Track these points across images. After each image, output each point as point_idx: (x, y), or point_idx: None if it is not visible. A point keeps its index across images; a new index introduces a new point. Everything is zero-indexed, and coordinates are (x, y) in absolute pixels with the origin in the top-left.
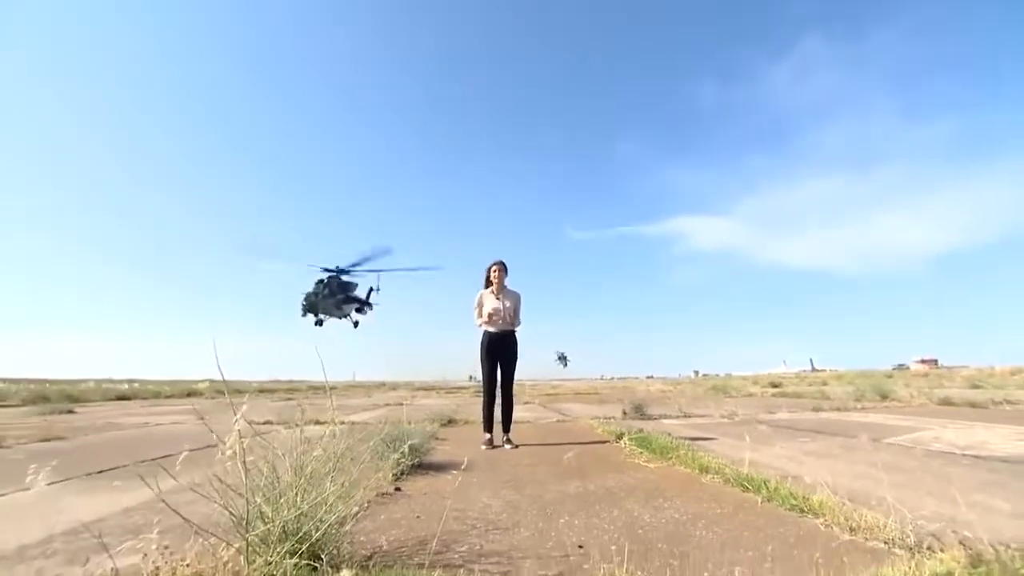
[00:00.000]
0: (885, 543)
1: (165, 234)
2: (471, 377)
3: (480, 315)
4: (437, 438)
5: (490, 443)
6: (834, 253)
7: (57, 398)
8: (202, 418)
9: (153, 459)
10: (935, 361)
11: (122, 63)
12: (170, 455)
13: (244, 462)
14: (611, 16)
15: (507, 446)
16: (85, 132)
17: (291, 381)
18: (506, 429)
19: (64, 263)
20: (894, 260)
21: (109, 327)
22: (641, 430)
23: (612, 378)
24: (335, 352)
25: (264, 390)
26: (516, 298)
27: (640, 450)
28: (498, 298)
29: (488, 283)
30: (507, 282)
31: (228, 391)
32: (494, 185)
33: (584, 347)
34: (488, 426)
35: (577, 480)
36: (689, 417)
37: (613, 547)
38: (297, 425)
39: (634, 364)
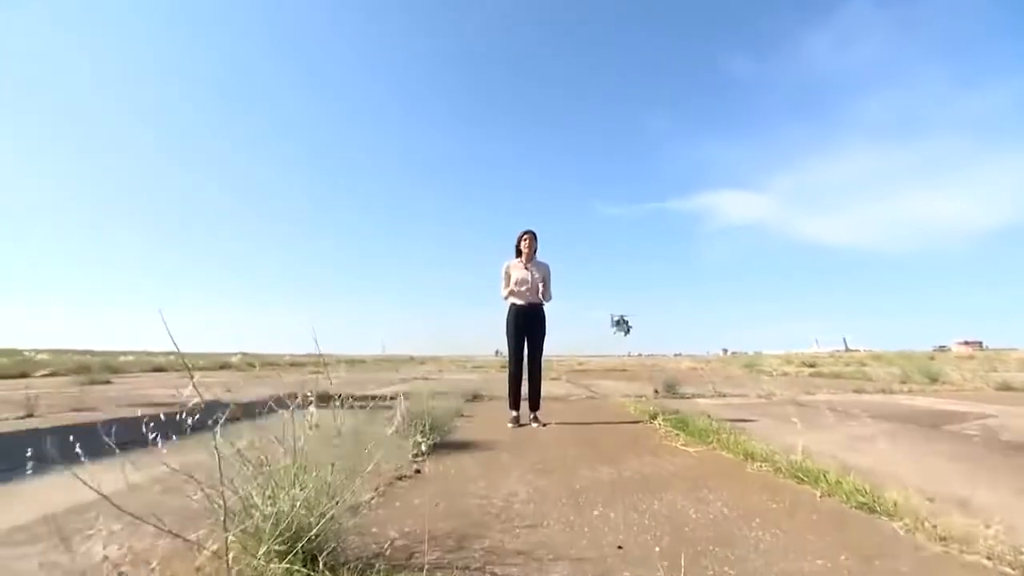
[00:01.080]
0: (989, 559)
1: (205, 210)
2: (497, 352)
3: (507, 286)
4: (462, 415)
5: (516, 421)
6: (871, 230)
7: (99, 369)
8: (228, 391)
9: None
10: (979, 343)
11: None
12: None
13: (217, 447)
14: None
15: (534, 424)
16: (127, 111)
17: (321, 354)
18: (534, 407)
19: (107, 239)
20: (934, 237)
21: (152, 301)
22: (677, 411)
23: (640, 355)
24: (366, 326)
25: (296, 363)
26: (546, 270)
27: (677, 432)
28: (527, 268)
29: (518, 252)
30: (537, 254)
31: (259, 364)
32: (521, 160)
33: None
34: (515, 403)
35: (610, 465)
36: (724, 397)
37: (657, 548)
38: (303, 400)
39: (662, 341)
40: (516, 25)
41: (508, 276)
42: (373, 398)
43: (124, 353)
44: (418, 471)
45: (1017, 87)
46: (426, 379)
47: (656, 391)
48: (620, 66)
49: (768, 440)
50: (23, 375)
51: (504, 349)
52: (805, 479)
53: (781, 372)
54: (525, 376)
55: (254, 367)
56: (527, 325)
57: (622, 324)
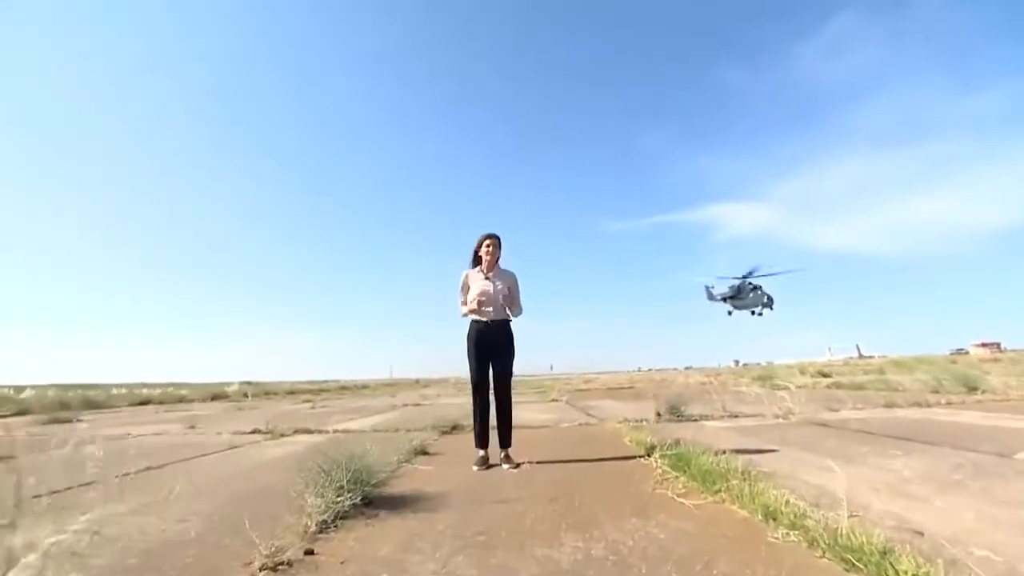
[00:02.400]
0: None
1: (215, 237)
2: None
3: (465, 301)
4: (426, 452)
5: (484, 462)
6: (875, 236)
7: (78, 405)
8: (192, 427)
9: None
10: (998, 344)
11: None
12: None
13: None
14: (632, 5)
15: (505, 466)
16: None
17: (327, 380)
18: (504, 443)
19: (119, 271)
20: (940, 240)
21: (170, 333)
22: (678, 441)
23: (650, 369)
24: (374, 350)
25: (294, 391)
26: (512, 280)
27: (675, 473)
28: (488, 278)
29: (476, 260)
30: (501, 261)
31: (253, 394)
32: (523, 179)
33: (619, 339)
34: (481, 440)
35: (580, 533)
36: (736, 417)
37: None
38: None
39: (672, 355)
40: (510, 44)
41: (467, 288)
42: (345, 432)
43: (119, 385)
44: (310, 552)
45: (1017, 87)
46: (418, 405)
47: (659, 414)
48: (615, 84)
49: (792, 482)
50: None
51: (517, 368)
52: (857, 564)
53: (797, 384)
54: (493, 407)
55: (246, 397)
56: (491, 345)
57: (749, 296)
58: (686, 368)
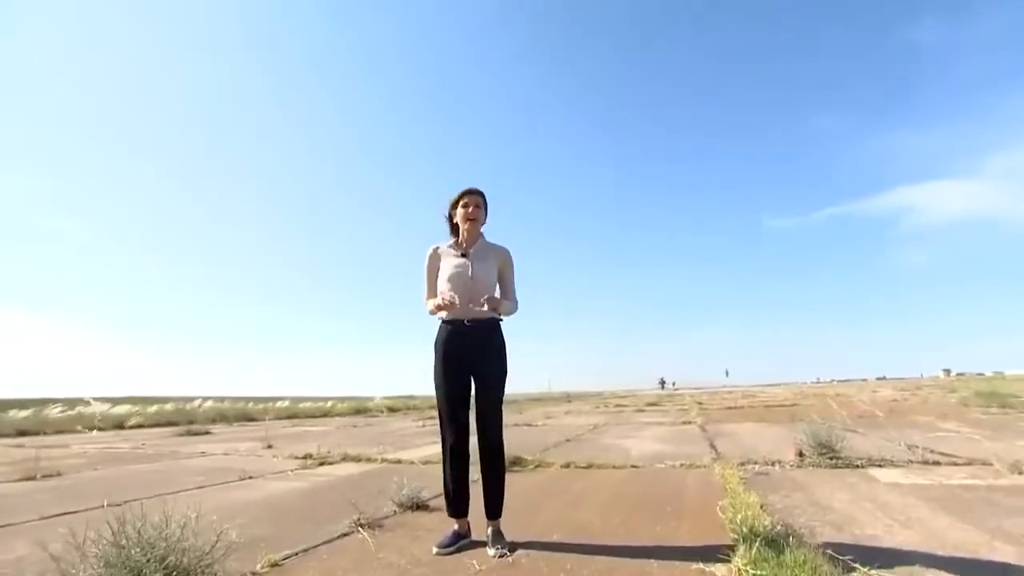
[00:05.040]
0: None
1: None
2: (662, 382)
3: (432, 290)
4: (419, 505)
5: (454, 541)
6: None
7: (233, 417)
8: (269, 446)
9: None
10: None
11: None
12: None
13: None
14: None
15: (491, 550)
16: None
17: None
18: (493, 512)
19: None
20: None
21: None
22: (790, 535)
23: (832, 380)
24: (531, 361)
25: (396, 408)
26: (502, 259)
27: None
28: (464, 256)
29: (454, 230)
30: (487, 234)
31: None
32: (671, 176)
33: (794, 347)
34: (455, 506)
35: None
36: (934, 465)
37: None
38: None
39: (860, 363)
40: (660, 31)
41: (435, 272)
42: (386, 460)
43: (306, 399)
44: None
45: None
46: (529, 425)
47: (801, 454)
48: (777, 61)
49: None
50: (119, 426)
51: (670, 376)
52: None
53: None
54: (478, 451)
55: (381, 413)
56: (467, 358)
57: None
58: (877, 379)
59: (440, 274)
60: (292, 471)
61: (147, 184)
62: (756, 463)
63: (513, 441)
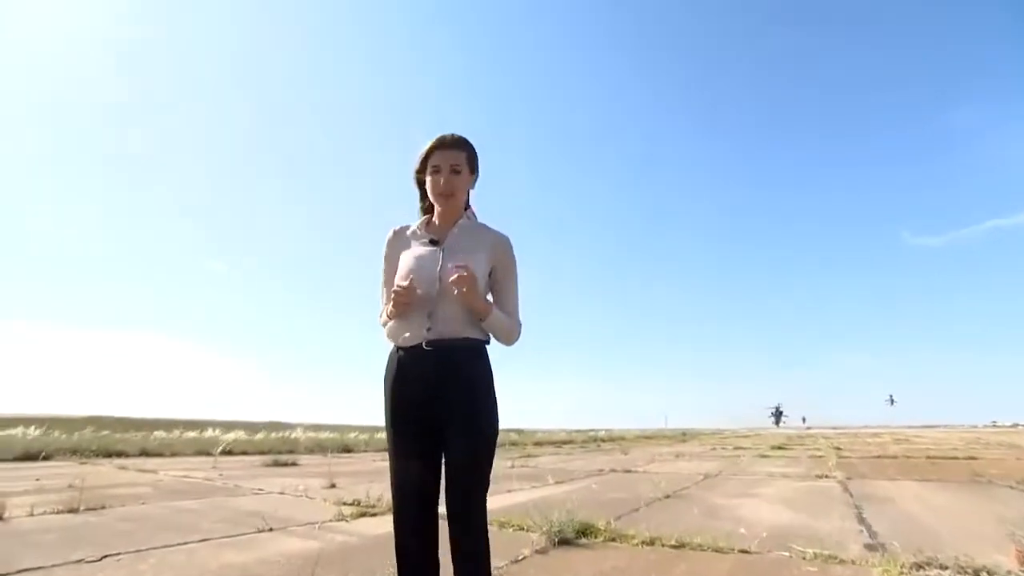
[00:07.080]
0: None
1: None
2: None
3: (389, 298)
4: None
5: None
6: None
7: (333, 447)
8: (332, 485)
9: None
10: None
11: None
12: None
13: None
14: None
15: None
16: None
17: (595, 429)
18: None
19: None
20: None
21: None
22: None
23: (1015, 425)
24: (646, 396)
25: (543, 441)
26: (495, 250)
27: None
28: (433, 243)
29: (423, 200)
30: (478, 212)
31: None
32: (794, 183)
33: (951, 385)
34: None
35: None
36: None
37: None
38: None
39: None
40: (784, 27)
41: (394, 267)
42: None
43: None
44: None
45: None
46: (628, 472)
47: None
48: (909, 53)
49: None
50: (228, 452)
51: (786, 411)
52: None
53: None
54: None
55: None
56: (427, 408)
57: None
58: None
59: (399, 268)
60: (322, 523)
61: (288, 228)
62: (946, 568)
63: (593, 495)
